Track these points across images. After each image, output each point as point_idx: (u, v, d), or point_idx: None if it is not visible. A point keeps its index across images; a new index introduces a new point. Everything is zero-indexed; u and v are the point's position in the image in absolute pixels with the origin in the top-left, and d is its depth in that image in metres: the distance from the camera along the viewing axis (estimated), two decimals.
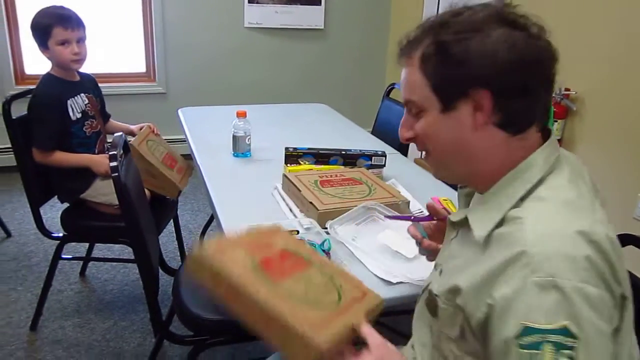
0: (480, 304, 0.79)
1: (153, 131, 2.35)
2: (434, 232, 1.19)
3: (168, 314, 1.80)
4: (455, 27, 0.86)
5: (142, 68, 4.14)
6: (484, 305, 0.78)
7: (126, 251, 2.77)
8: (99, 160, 2.16)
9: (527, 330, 0.72)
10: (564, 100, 2.83)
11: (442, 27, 0.88)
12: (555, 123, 2.87)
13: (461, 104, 0.87)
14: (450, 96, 0.87)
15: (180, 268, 1.81)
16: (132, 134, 2.40)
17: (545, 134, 0.90)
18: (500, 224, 0.84)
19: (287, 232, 1.11)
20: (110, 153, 1.43)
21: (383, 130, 2.64)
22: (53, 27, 2.05)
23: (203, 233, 2.90)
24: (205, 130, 2.42)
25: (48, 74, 2.18)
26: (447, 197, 1.73)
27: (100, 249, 2.82)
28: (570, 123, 2.90)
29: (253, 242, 0.98)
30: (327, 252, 1.28)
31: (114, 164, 1.40)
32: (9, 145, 2.07)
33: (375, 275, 1.25)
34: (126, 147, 1.60)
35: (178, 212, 2.59)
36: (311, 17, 4.34)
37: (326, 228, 1.41)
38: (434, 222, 1.20)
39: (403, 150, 2.40)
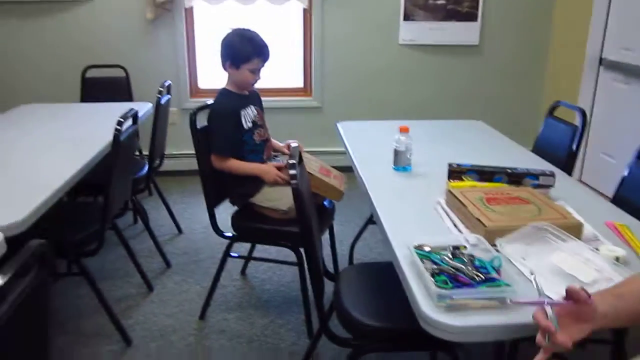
0: None
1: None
2: (564, 318, 1.01)
3: (328, 312, 1.89)
4: None
5: (299, 83, 4.39)
6: None
7: (282, 253, 2.94)
8: (267, 170, 2.35)
9: None
10: None
11: None
12: None
13: None
14: None
15: (340, 273, 1.90)
16: (281, 151, 2.59)
17: None
18: None
19: None
20: (290, 162, 1.56)
21: (545, 149, 2.54)
22: (254, 56, 2.30)
23: (353, 244, 3.00)
24: (362, 143, 2.51)
25: (224, 89, 2.42)
26: (624, 222, 1.63)
27: (258, 251, 3.03)
28: None
29: None
30: (497, 270, 1.28)
31: (293, 172, 1.52)
32: (184, 152, 2.32)
33: (547, 296, 1.22)
34: (300, 157, 1.73)
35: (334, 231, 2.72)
36: (466, 33, 4.30)
37: (495, 245, 1.40)
38: (571, 305, 1.02)
39: (568, 170, 2.30)
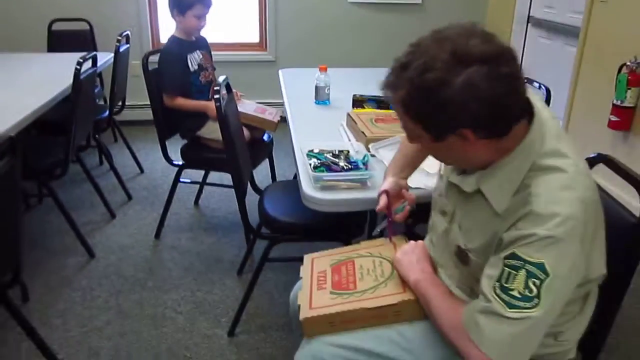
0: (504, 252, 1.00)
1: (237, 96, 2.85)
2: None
3: (258, 225, 2.28)
4: (424, 84, 0.96)
5: (255, 39, 4.71)
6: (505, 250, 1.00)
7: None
8: (211, 106, 2.69)
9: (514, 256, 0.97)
10: (639, 69, 2.94)
11: (413, 81, 0.99)
12: (629, 91, 2.99)
13: (449, 136, 1.01)
14: (438, 134, 1.02)
15: (265, 188, 2.28)
16: None
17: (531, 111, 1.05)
18: (515, 193, 1.02)
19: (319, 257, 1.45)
20: (214, 88, 1.92)
21: None
22: (196, 4, 2.62)
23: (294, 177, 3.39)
24: (297, 86, 2.87)
25: (173, 35, 2.76)
26: None
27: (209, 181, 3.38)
28: None
29: (313, 280, 1.33)
30: (365, 164, 1.67)
31: (217, 96, 1.88)
32: (146, 102, 2.66)
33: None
34: (228, 87, 2.09)
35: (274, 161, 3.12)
36: None
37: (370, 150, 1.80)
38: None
39: None
